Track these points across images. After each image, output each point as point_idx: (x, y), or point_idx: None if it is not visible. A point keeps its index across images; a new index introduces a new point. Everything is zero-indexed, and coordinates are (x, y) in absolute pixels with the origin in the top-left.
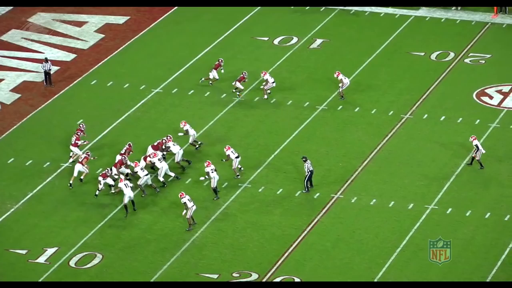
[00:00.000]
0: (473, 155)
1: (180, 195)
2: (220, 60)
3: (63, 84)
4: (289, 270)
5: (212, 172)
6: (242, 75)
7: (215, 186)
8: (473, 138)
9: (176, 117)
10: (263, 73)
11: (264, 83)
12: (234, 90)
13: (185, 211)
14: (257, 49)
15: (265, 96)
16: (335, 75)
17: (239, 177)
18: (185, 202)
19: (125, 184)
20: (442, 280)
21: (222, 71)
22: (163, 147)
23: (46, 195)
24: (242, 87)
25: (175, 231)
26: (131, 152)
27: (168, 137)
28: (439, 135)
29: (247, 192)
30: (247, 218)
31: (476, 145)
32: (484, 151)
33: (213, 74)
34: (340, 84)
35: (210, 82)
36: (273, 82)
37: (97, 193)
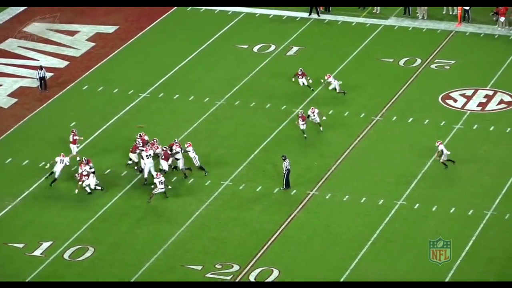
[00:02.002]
0: (436, 158)
1: (156, 175)
2: (300, 70)
3: (57, 89)
4: (268, 261)
5: (193, 152)
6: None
7: (199, 165)
8: (439, 142)
9: (163, 120)
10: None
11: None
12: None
13: (155, 189)
14: (238, 56)
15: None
16: (326, 77)
17: (186, 177)
18: (155, 183)
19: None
20: (410, 272)
21: (311, 81)
22: (171, 151)
23: (42, 193)
24: (305, 82)
25: (162, 226)
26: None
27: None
28: (407, 135)
29: (229, 190)
30: (229, 214)
31: (442, 150)
32: (448, 153)
33: (303, 81)
34: (331, 87)
35: (312, 88)
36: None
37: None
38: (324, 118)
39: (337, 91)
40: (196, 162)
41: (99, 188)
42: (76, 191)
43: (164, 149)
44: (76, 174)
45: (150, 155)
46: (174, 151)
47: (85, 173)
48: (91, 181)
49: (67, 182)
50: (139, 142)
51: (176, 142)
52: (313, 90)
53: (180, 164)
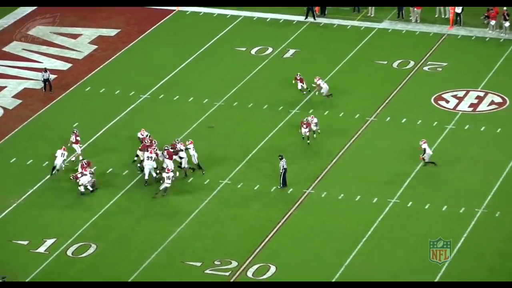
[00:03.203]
0: (421, 157)
1: (167, 170)
2: (297, 75)
3: (60, 91)
4: (265, 258)
5: (193, 150)
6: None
7: (197, 162)
8: (423, 142)
9: (163, 120)
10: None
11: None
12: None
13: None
14: (236, 59)
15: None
16: (315, 80)
17: (186, 176)
18: (164, 177)
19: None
20: (403, 267)
21: (305, 86)
22: (175, 149)
23: (45, 191)
24: (305, 86)
25: (162, 223)
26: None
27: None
28: (400, 135)
29: (227, 188)
30: (227, 212)
31: (424, 148)
32: (431, 153)
33: (301, 85)
34: (321, 89)
35: (304, 92)
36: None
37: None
38: (318, 130)
39: (324, 94)
40: (195, 160)
41: (90, 189)
42: (82, 188)
43: (166, 148)
44: (72, 176)
45: (151, 157)
46: (177, 149)
47: (82, 173)
48: (84, 179)
49: (70, 181)
50: (148, 141)
51: (178, 141)
52: (309, 91)
53: (184, 162)
